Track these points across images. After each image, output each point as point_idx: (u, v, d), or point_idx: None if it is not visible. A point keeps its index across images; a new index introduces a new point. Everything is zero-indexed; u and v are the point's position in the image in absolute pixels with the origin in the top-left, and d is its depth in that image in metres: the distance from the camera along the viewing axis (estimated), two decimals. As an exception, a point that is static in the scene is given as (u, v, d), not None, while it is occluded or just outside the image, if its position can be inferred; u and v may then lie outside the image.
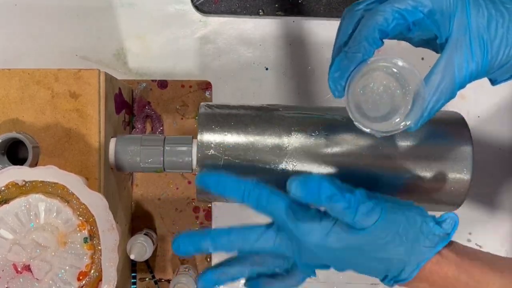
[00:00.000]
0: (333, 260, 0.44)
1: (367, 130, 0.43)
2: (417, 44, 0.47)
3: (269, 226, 0.45)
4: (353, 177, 0.51)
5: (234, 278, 0.47)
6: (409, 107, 0.42)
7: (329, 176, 0.42)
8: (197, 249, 0.46)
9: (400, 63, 0.42)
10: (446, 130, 0.52)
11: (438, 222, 0.43)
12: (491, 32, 0.42)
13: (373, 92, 0.43)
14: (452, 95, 0.43)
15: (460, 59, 0.42)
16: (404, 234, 0.42)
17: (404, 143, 0.51)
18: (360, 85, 0.43)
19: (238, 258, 0.47)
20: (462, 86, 0.43)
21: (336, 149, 0.51)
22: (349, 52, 0.42)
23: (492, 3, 0.42)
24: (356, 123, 0.43)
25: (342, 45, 0.43)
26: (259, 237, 0.45)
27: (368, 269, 0.44)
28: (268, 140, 0.51)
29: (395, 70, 0.42)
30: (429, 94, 0.42)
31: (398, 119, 0.42)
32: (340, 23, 0.45)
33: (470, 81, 0.43)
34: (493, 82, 0.46)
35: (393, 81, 0.42)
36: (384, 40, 0.43)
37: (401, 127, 0.42)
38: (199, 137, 0.51)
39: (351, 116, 0.43)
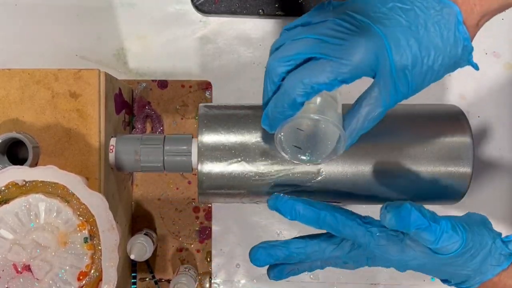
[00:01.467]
0: (402, 268, 0.48)
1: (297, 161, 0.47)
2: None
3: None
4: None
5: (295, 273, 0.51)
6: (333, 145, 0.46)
7: (416, 204, 0.45)
8: (275, 260, 0.50)
9: (316, 117, 0.44)
10: (445, 123, 0.52)
11: (505, 242, 0.46)
12: (415, 70, 0.42)
13: (296, 136, 0.46)
14: (379, 118, 0.45)
15: (386, 94, 0.43)
16: (475, 256, 0.45)
17: (403, 138, 0.51)
18: (288, 129, 0.46)
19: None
20: (389, 108, 0.45)
21: None
22: (271, 116, 0.44)
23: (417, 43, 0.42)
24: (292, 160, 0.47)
25: (269, 100, 0.45)
26: (335, 249, 0.49)
27: (432, 274, 0.48)
28: (268, 139, 0.51)
29: (313, 121, 0.45)
30: (359, 122, 0.44)
31: (325, 154, 0.46)
32: (264, 77, 0.45)
33: (396, 104, 0.45)
34: None
35: (310, 128, 0.46)
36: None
37: (333, 156, 0.46)
38: (199, 137, 0.51)
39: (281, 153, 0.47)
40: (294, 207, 0.47)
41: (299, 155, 0.46)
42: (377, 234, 0.46)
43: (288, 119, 0.44)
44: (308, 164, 0.50)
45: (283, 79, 0.43)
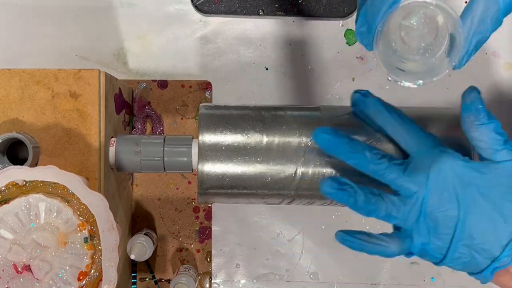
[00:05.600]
0: (462, 203, 0.42)
1: (409, 84, 0.40)
2: None
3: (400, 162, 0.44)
4: (357, 173, 0.51)
5: (354, 201, 0.44)
6: (447, 46, 0.39)
7: None
8: (343, 141, 0.45)
9: (428, 0, 0.38)
10: (445, 125, 0.52)
11: None
12: None
13: (412, 26, 0.39)
14: (498, 24, 0.40)
15: None
16: None
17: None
18: (393, 27, 0.39)
19: (364, 184, 0.45)
20: (507, 12, 0.40)
21: None
22: (374, 2, 0.39)
23: None
24: (394, 78, 0.41)
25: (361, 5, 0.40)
26: (389, 165, 0.44)
27: (490, 232, 0.42)
28: (268, 139, 0.51)
29: (424, 9, 0.39)
30: (473, 24, 0.39)
31: (438, 59, 0.39)
32: None
33: None
34: None
35: (432, 12, 0.39)
36: None
37: (446, 67, 0.40)
38: (200, 137, 0.51)
39: (386, 71, 0.40)
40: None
41: (400, 66, 0.40)
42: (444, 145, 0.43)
43: (392, 7, 0.38)
44: (408, 83, 0.41)
45: None
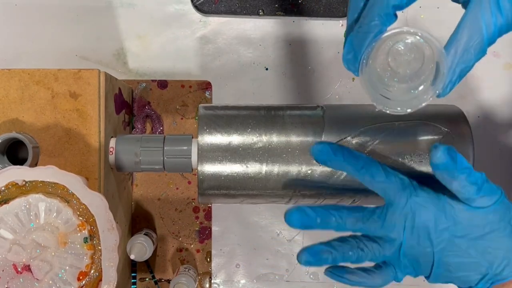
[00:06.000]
0: (436, 243, 0.44)
1: (392, 111, 0.41)
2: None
3: (378, 207, 0.46)
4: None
5: (334, 261, 0.46)
6: (432, 74, 0.40)
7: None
8: (313, 220, 0.46)
9: (412, 30, 0.39)
10: (445, 124, 0.52)
11: None
12: None
13: (397, 57, 0.40)
14: (482, 53, 0.40)
15: (487, 14, 0.39)
16: (504, 229, 0.43)
17: (403, 139, 0.51)
18: (380, 55, 0.40)
19: (341, 240, 0.47)
20: (491, 42, 0.40)
21: None
22: (360, 31, 0.40)
23: None
24: (378, 106, 0.41)
25: (353, 23, 0.41)
26: (371, 217, 0.45)
27: (466, 265, 0.44)
28: (268, 139, 0.51)
29: (411, 37, 0.39)
30: (457, 53, 0.40)
31: (422, 87, 0.40)
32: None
33: (500, 35, 0.40)
34: None
35: (417, 41, 0.40)
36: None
37: (429, 96, 0.40)
38: (199, 138, 0.51)
39: (370, 99, 0.41)
40: (337, 150, 0.46)
41: (385, 94, 0.40)
42: (418, 187, 0.44)
43: (377, 37, 0.39)
44: (392, 110, 0.41)
45: None
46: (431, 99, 0.40)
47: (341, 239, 0.47)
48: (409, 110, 0.41)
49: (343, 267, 0.47)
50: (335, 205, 0.46)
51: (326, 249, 0.46)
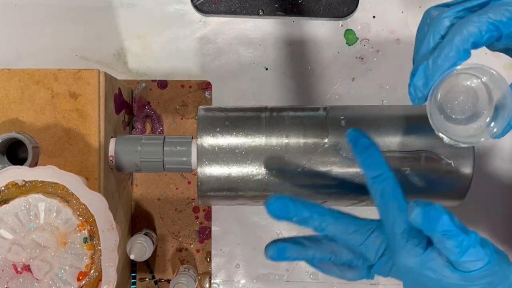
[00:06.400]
0: (413, 285, 0.44)
1: (450, 141, 0.42)
2: (496, 50, 0.45)
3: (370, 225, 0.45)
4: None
5: (304, 259, 0.46)
6: (491, 114, 0.41)
7: (449, 211, 0.41)
8: (290, 216, 0.45)
9: (486, 69, 0.41)
10: (451, 154, 0.52)
11: None
12: None
13: (457, 95, 0.42)
14: None
15: None
16: (495, 286, 0.41)
17: (403, 139, 0.51)
18: (443, 90, 0.42)
19: (316, 240, 0.47)
20: None
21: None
22: (437, 61, 0.41)
23: None
24: (439, 134, 0.42)
25: (428, 53, 0.42)
26: (356, 231, 0.45)
27: None
28: (267, 141, 0.51)
29: (481, 77, 0.41)
30: None
31: (481, 125, 0.41)
32: (421, 28, 0.43)
33: None
34: None
35: (478, 85, 0.41)
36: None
37: (487, 135, 0.41)
38: (198, 140, 0.51)
39: (432, 125, 0.42)
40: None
41: (445, 126, 0.41)
42: (401, 231, 0.43)
43: (450, 70, 0.40)
44: (450, 141, 0.42)
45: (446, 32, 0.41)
46: (485, 139, 0.41)
47: (315, 240, 0.46)
48: (462, 145, 0.42)
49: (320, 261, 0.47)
50: (323, 208, 0.45)
51: (295, 249, 0.45)
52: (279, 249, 0.46)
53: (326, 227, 0.45)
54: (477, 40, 0.40)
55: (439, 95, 0.42)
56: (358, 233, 0.45)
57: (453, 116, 0.42)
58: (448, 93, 0.42)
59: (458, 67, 0.41)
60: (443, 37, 0.41)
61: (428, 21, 0.43)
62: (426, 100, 0.42)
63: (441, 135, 0.42)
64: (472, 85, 0.42)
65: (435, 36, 0.42)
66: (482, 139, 0.41)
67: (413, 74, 0.42)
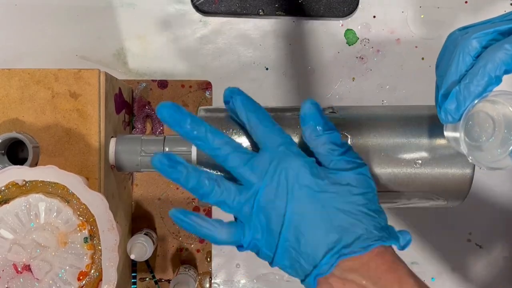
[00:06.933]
0: (291, 198, 0.42)
1: (478, 165, 0.43)
2: None
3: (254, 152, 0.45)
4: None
5: (186, 181, 0.44)
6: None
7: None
8: (183, 119, 0.44)
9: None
10: (446, 193, 0.52)
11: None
12: None
13: (485, 121, 0.43)
14: None
15: None
16: (367, 204, 0.42)
17: (403, 140, 0.51)
18: (472, 115, 0.43)
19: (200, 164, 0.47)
20: None
21: None
22: (469, 87, 0.42)
23: None
24: (469, 158, 0.43)
25: (458, 75, 0.42)
26: (232, 152, 0.44)
27: (316, 233, 0.42)
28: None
29: (504, 108, 0.42)
30: None
31: (507, 150, 0.43)
32: (447, 47, 0.44)
33: None
34: None
35: (507, 111, 0.43)
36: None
37: (508, 165, 0.43)
38: None
39: (462, 148, 0.43)
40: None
41: (472, 150, 0.43)
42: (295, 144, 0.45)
43: (482, 96, 0.41)
44: (477, 164, 0.44)
45: (478, 55, 0.42)
46: (507, 167, 0.43)
47: (195, 169, 0.44)
48: (485, 169, 0.43)
49: (191, 212, 0.44)
50: (216, 130, 0.45)
51: (183, 165, 0.44)
52: (172, 160, 0.44)
53: (213, 141, 0.44)
54: (509, 68, 0.41)
55: (471, 118, 0.43)
56: (244, 153, 0.44)
57: (480, 141, 0.43)
58: (477, 118, 0.43)
59: (490, 94, 0.42)
60: (473, 58, 0.42)
61: (455, 41, 0.43)
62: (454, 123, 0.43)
63: (470, 159, 0.43)
64: (501, 111, 0.43)
65: (465, 58, 0.42)
66: (503, 167, 0.43)
67: (443, 98, 0.43)
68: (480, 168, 0.43)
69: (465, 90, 0.42)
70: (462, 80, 0.42)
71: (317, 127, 0.44)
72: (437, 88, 0.45)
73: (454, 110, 0.42)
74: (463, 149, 0.43)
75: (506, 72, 0.41)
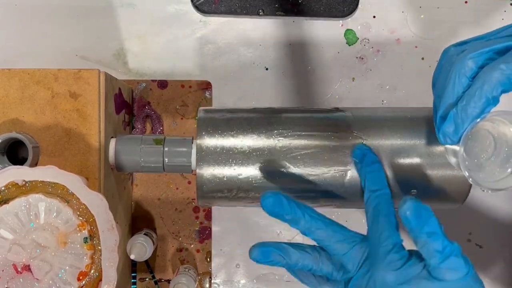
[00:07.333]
0: None
1: (480, 187, 0.43)
2: None
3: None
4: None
5: (286, 264, 0.47)
6: None
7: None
8: (284, 213, 0.45)
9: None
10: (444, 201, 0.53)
11: None
12: None
13: (484, 140, 0.43)
14: None
15: None
16: None
17: (403, 141, 0.51)
18: (470, 136, 0.43)
19: (300, 248, 0.47)
20: None
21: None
22: (466, 109, 0.41)
23: None
24: (470, 180, 0.43)
25: (455, 96, 0.42)
26: (342, 240, 0.46)
27: None
28: (268, 142, 0.51)
29: (510, 123, 0.42)
30: None
31: (508, 170, 0.42)
32: (443, 66, 0.43)
33: None
34: None
35: (506, 130, 0.43)
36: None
37: (509, 186, 0.42)
38: (198, 141, 0.51)
39: (462, 170, 0.43)
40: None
41: (473, 170, 0.42)
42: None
43: (481, 117, 0.41)
44: (479, 186, 0.43)
45: (474, 76, 0.41)
46: (508, 188, 0.42)
47: (299, 247, 0.47)
48: (488, 191, 0.43)
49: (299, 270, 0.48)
50: (315, 212, 0.46)
51: (279, 253, 0.46)
52: (264, 252, 0.46)
53: (315, 231, 0.45)
54: (506, 88, 0.40)
55: (468, 142, 0.43)
56: (344, 242, 0.45)
57: (481, 159, 0.43)
58: (477, 137, 0.43)
59: (487, 115, 0.41)
60: (469, 79, 0.41)
61: (450, 59, 0.43)
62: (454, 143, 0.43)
63: (471, 181, 0.43)
64: (502, 130, 0.43)
65: (461, 79, 0.42)
66: (504, 188, 0.42)
67: (441, 118, 0.43)
68: (483, 190, 0.43)
69: (463, 112, 0.41)
70: (459, 102, 0.42)
71: (415, 232, 0.41)
72: (435, 108, 0.44)
73: (452, 133, 0.42)
74: (464, 171, 0.43)
75: (504, 91, 0.41)
